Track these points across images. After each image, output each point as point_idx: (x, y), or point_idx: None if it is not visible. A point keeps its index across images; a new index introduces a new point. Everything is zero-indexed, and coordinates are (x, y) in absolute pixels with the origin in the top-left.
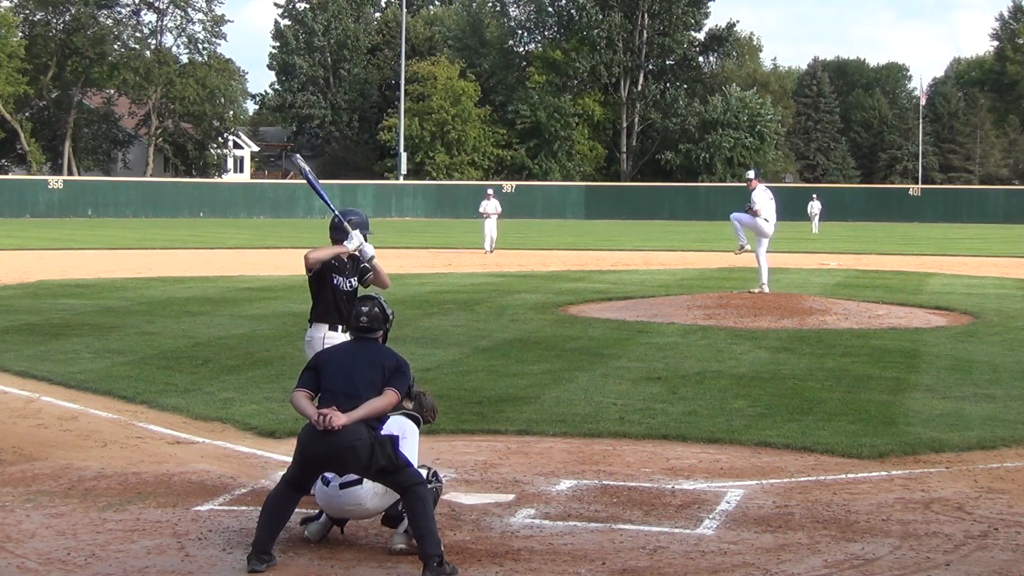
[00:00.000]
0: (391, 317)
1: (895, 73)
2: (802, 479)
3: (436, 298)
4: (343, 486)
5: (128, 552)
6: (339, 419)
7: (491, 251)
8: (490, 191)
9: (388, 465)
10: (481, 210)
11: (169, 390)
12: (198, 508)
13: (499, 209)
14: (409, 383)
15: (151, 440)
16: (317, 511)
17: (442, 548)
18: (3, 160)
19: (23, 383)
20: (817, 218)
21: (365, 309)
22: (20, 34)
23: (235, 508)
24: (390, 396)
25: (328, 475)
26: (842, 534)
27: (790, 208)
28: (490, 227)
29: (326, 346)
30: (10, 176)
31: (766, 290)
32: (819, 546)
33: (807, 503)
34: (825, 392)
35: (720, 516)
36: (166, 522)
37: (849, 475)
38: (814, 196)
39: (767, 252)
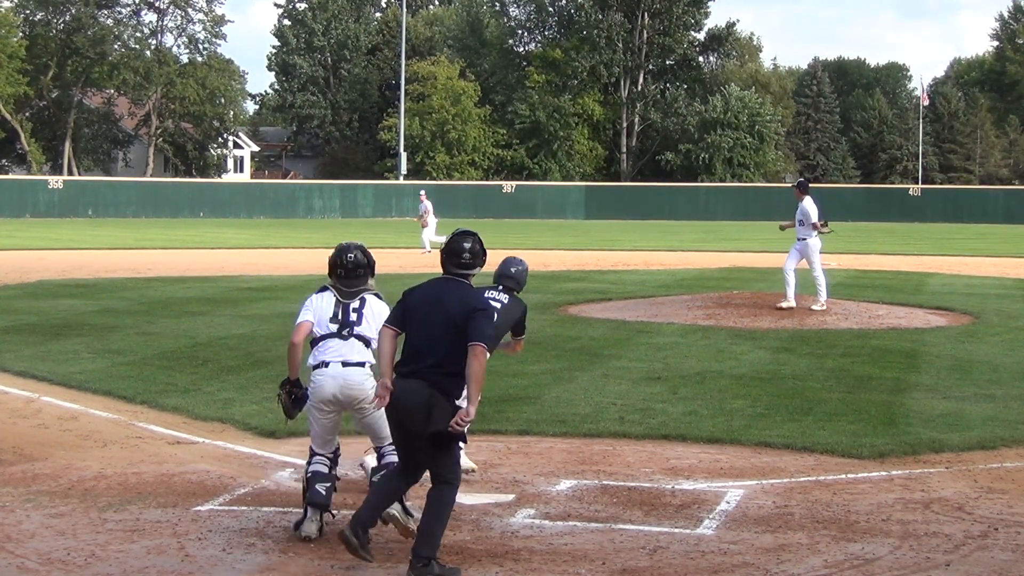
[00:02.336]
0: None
1: (895, 73)
2: (802, 479)
3: None
4: (345, 364)
5: (128, 552)
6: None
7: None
8: (422, 192)
9: (439, 438)
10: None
11: (169, 390)
12: (198, 508)
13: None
14: (495, 324)
15: (151, 440)
16: (301, 512)
17: (436, 554)
18: (3, 160)
19: (23, 383)
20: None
21: (467, 245)
22: (20, 34)
23: (235, 508)
24: (481, 356)
25: (330, 359)
26: (842, 534)
27: (787, 208)
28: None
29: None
30: (10, 176)
31: (824, 306)
32: (819, 546)
33: (807, 503)
34: (825, 392)
35: (720, 516)
36: (166, 522)
37: (849, 475)
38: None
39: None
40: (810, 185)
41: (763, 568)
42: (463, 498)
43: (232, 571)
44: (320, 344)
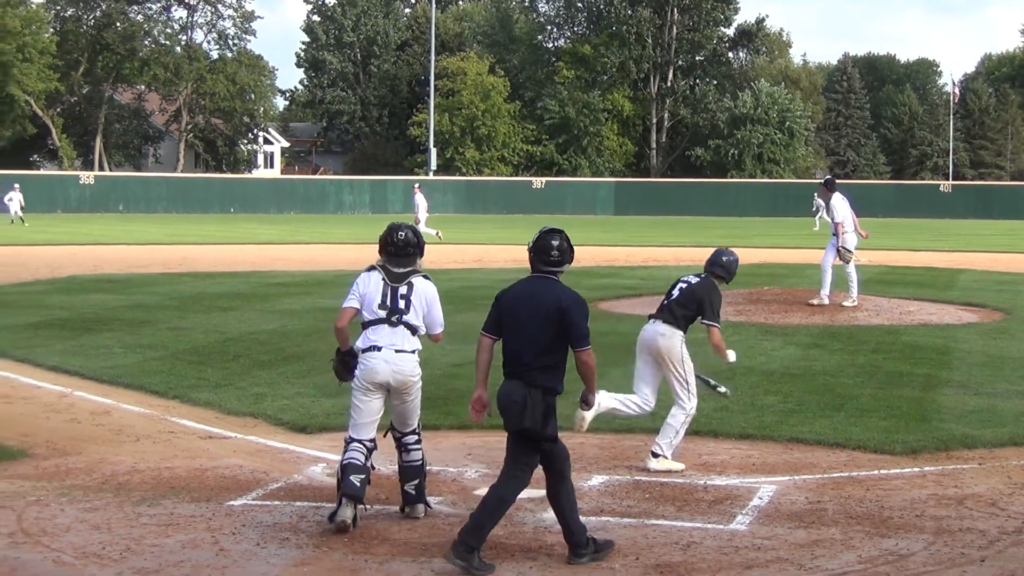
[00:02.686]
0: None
1: (925, 69)
2: (835, 475)
3: (466, 293)
4: (397, 351)
5: (163, 546)
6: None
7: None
8: (416, 185)
9: (533, 429)
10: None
11: (201, 385)
12: (231, 503)
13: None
14: (587, 316)
15: (184, 435)
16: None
17: (584, 537)
18: (35, 156)
19: (56, 378)
20: (822, 215)
21: (555, 242)
22: (51, 30)
23: (268, 503)
24: (589, 358)
25: (382, 345)
26: (875, 530)
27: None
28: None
29: None
30: (42, 172)
31: (855, 302)
32: (853, 542)
33: (840, 499)
34: (857, 388)
35: (753, 512)
36: (200, 516)
37: (882, 471)
38: (815, 194)
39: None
40: (838, 182)
41: (797, 563)
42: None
43: (266, 565)
44: (370, 329)
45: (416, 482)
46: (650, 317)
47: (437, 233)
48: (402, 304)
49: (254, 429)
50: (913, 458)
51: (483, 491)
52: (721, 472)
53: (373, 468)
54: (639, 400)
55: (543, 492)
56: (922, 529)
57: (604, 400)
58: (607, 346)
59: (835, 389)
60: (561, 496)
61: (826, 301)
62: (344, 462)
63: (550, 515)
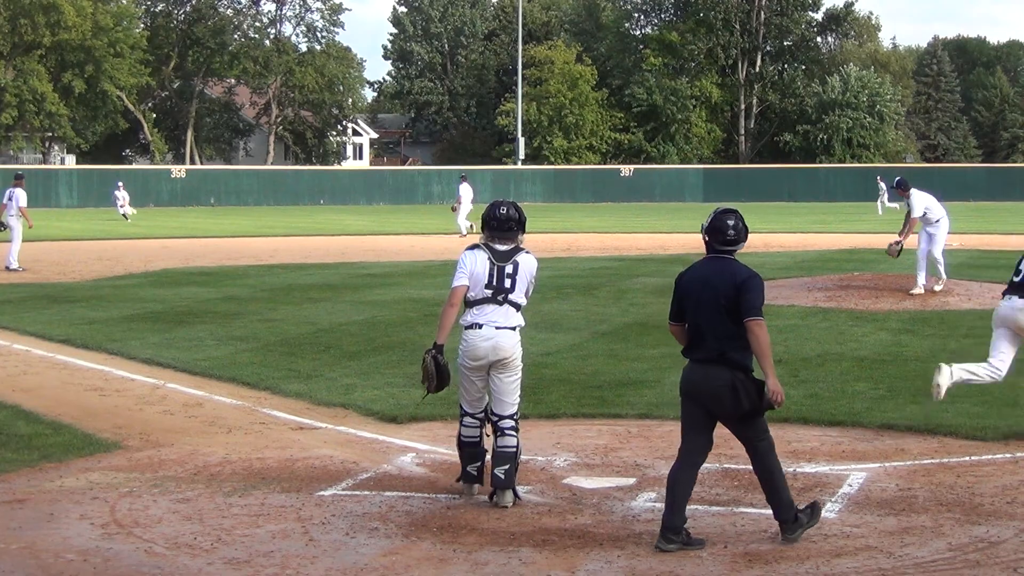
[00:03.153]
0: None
1: (1016, 51)
2: (925, 462)
3: (555, 283)
4: (498, 328)
5: (253, 536)
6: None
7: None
8: (463, 175)
9: (753, 409)
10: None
11: (292, 376)
12: (321, 493)
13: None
14: (762, 291)
15: (275, 426)
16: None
17: (793, 513)
18: (127, 150)
19: (149, 370)
20: (883, 200)
21: (731, 222)
22: (142, 25)
23: (358, 493)
24: (760, 328)
25: (484, 322)
26: (966, 517)
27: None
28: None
29: None
30: (134, 166)
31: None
32: (943, 529)
33: (931, 486)
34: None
35: (842, 499)
36: (290, 507)
37: (973, 457)
38: (878, 177)
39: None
40: (932, 163)
41: (886, 551)
42: (584, 482)
43: (355, 555)
44: (476, 307)
45: (507, 467)
46: (1004, 294)
47: (472, 226)
48: (508, 283)
49: (344, 420)
50: (1005, 444)
51: (575, 479)
52: (811, 459)
53: (488, 435)
54: (990, 369)
55: (632, 480)
56: (1013, 516)
57: (956, 372)
58: None
59: (926, 375)
60: (769, 468)
61: (921, 290)
62: (462, 439)
63: (639, 503)
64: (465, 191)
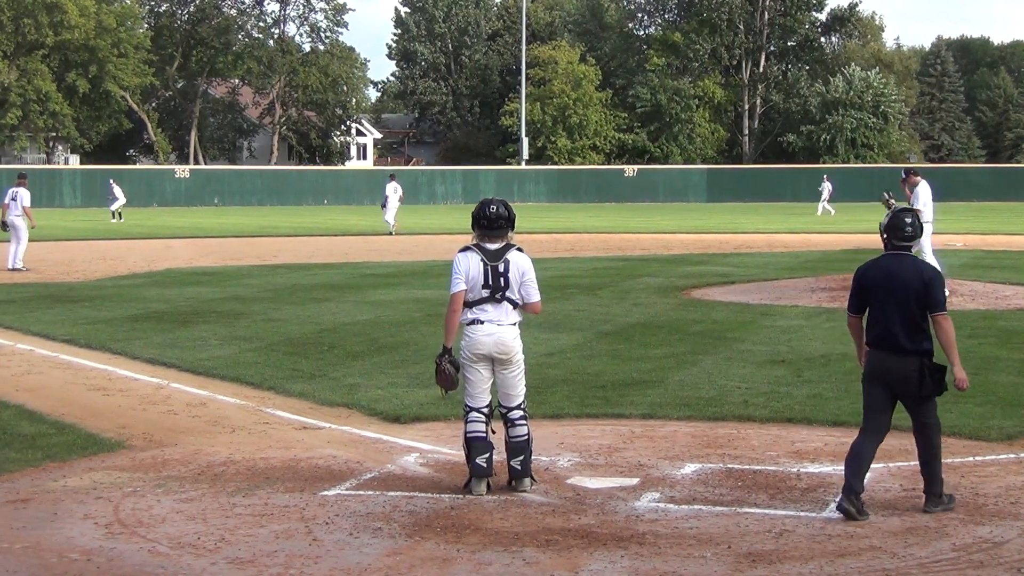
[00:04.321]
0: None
1: (1020, 51)
2: None
3: (559, 283)
4: (499, 325)
5: (257, 536)
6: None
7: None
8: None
9: (937, 392)
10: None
11: (295, 376)
12: (325, 493)
13: (399, 193)
14: (943, 286)
15: (278, 426)
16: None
17: (940, 488)
18: (131, 150)
19: (153, 370)
20: (825, 200)
21: (908, 220)
22: (146, 25)
23: (362, 493)
24: (947, 322)
25: (485, 319)
26: (970, 517)
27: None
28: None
29: None
30: (138, 166)
31: None
32: (947, 529)
33: None
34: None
35: None
36: (294, 507)
37: (977, 458)
38: (824, 177)
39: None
40: (936, 164)
41: (890, 551)
42: (588, 482)
43: (359, 555)
44: (476, 306)
45: (522, 457)
46: None
47: (393, 228)
48: (503, 282)
49: (348, 419)
50: (1009, 444)
51: (579, 479)
52: (814, 460)
53: (493, 432)
54: None
55: (635, 481)
56: (1017, 516)
57: None
58: (699, 334)
59: None
60: (935, 445)
61: None
62: (468, 435)
63: (642, 504)
64: (392, 190)
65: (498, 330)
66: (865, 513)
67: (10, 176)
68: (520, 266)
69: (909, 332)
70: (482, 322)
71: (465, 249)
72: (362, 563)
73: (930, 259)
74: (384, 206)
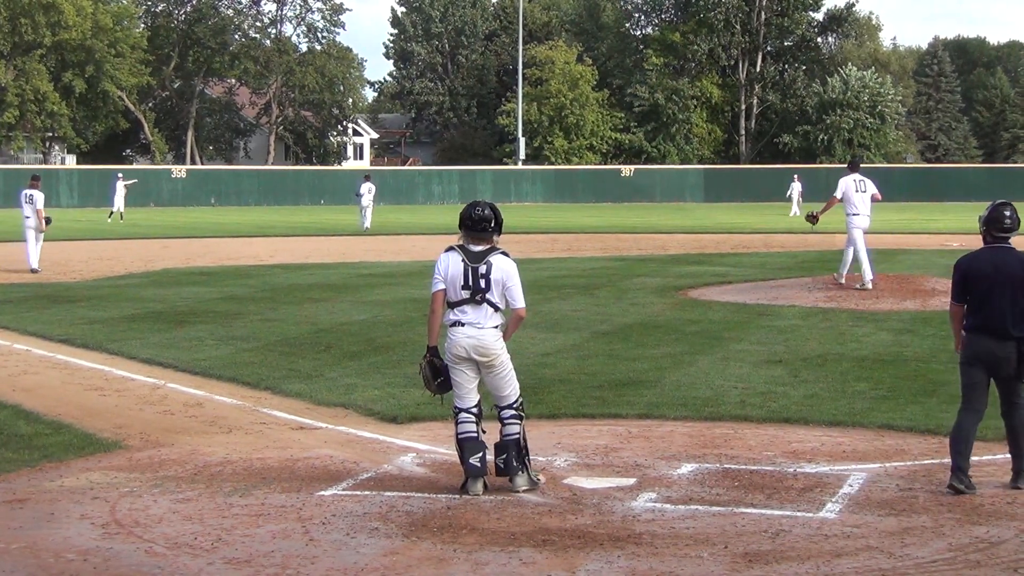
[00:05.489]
0: None
1: (1017, 51)
2: (926, 462)
3: (555, 283)
4: (479, 328)
5: (254, 536)
6: None
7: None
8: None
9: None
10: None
11: (292, 376)
12: (322, 493)
13: (373, 192)
14: None
15: (275, 426)
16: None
17: None
18: (128, 150)
19: (149, 370)
20: (796, 201)
21: (1008, 213)
22: (142, 25)
23: (358, 493)
24: None
25: (466, 321)
26: (967, 517)
27: (908, 189)
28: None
29: None
30: (134, 166)
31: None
32: (943, 529)
33: (931, 486)
34: (949, 374)
35: (843, 499)
36: (290, 507)
37: (974, 458)
38: (795, 177)
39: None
40: (933, 164)
41: (887, 551)
42: (584, 482)
43: (356, 555)
44: (456, 307)
45: (505, 455)
46: None
47: (366, 226)
48: (483, 283)
49: (345, 420)
50: (1005, 444)
51: (575, 479)
52: (811, 460)
53: (484, 432)
54: None
55: (632, 481)
56: (1014, 516)
57: None
58: (696, 334)
59: (927, 375)
60: (1018, 420)
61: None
62: (459, 436)
63: (639, 504)
64: (367, 190)
65: (478, 332)
66: (973, 487)
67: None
68: (503, 270)
69: (1010, 319)
70: (462, 324)
71: (449, 249)
72: (359, 563)
73: (860, 251)
74: (360, 200)
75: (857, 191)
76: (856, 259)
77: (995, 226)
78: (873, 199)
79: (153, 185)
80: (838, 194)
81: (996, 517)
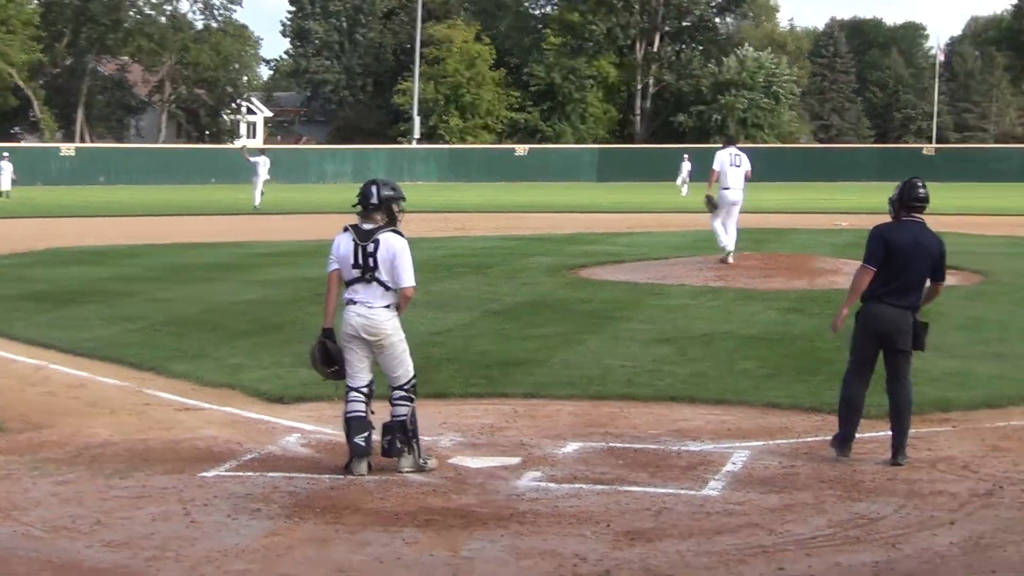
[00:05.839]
0: None
1: (912, 32)
2: (809, 439)
3: (448, 261)
4: (369, 307)
5: (134, 519)
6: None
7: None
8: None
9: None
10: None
11: (178, 356)
12: (204, 474)
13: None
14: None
15: (159, 407)
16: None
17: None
18: (16, 128)
19: (32, 351)
20: (685, 181)
21: (920, 184)
22: (35, 1)
23: (241, 474)
24: (943, 289)
25: (358, 300)
26: (847, 494)
27: (801, 169)
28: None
29: None
30: (23, 144)
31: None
32: (824, 506)
33: (813, 463)
34: (834, 352)
35: (726, 477)
36: (172, 488)
37: (856, 435)
38: (684, 157)
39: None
40: (826, 144)
41: (768, 528)
42: (469, 461)
43: (237, 536)
44: (350, 287)
45: (390, 437)
46: None
47: (257, 203)
48: (371, 262)
49: (230, 400)
50: (886, 422)
51: (460, 459)
52: (696, 438)
53: (372, 412)
54: None
55: (517, 460)
56: (893, 492)
57: None
58: (586, 313)
59: (812, 353)
60: (904, 397)
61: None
62: (347, 415)
63: (523, 483)
64: (263, 164)
65: (368, 312)
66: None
67: None
68: (390, 248)
69: (915, 292)
70: (355, 303)
71: (345, 229)
72: (240, 544)
73: (717, 223)
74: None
75: (732, 165)
76: (714, 230)
77: (912, 200)
78: (746, 176)
79: (41, 163)
80: (716, 166)
81: (876, 493)
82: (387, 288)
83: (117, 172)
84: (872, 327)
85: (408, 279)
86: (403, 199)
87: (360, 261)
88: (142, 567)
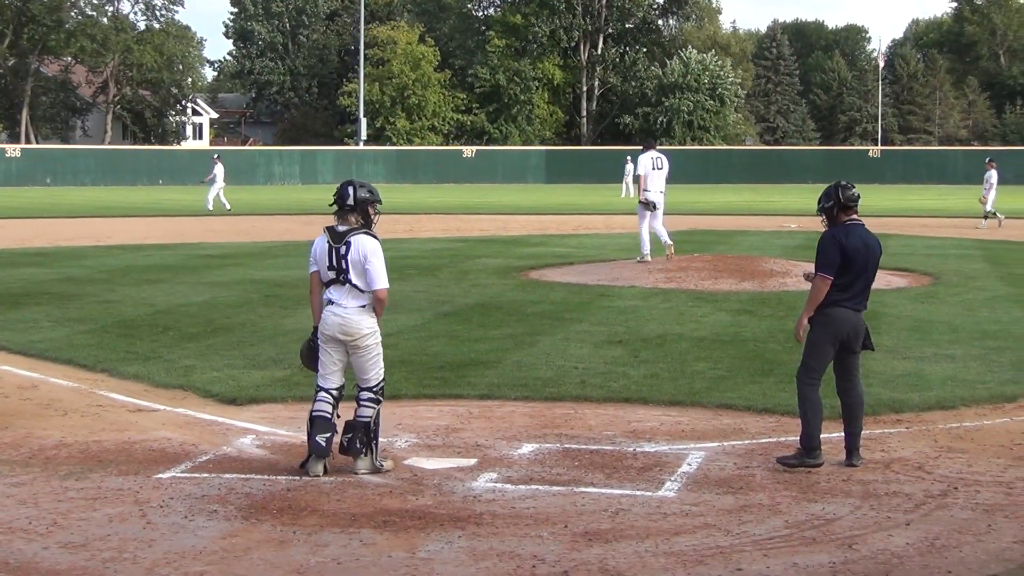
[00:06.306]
0: None
1: (854, 35)
2: (763, 440)
3: (397, 263)
4: (346, 308)
5: (90, 520)
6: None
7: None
8: (216, 155)
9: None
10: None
11: (130, 358)
12: (160, 476)
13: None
14: None
15: (112, 408)
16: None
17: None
18: None
19: None
20: (627, 183)
21: (852, 187)
22: None
23: (197, 475)
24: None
25: (336, 300)
26: (803, 495)
27: (747, 171)
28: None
29: None
30: None
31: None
32: (780, 507)
33: (768, 464)
34: (786, 354)
35: (682, 478)
36: (128, 490)
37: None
38: (628, 159)
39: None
40: (771, 146)
41: (724, 529)
42: (425, 463)
43: (194, 538)
44: (328, 288)
45: (351, 435)
46: None
47: (211, 206)
48: (344, 264)
49: (183, 402)
50: (841, 423)
51: (416, 460)
52: (651, 439)
53: (338, 416)
54: None
55: (473, 461)
56: (849, 493)
57: None
58: (537, 315)
59: (764, 355)
60: (856, 397)
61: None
62: (313, 413)
63: (480, 484)
64: (218, 170)
65: (343, 312)
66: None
67: None
68: (361, 249)
69: (866, 295)
70: (332, 303)
71: (324, 230)
72: (197, 546)
73: (643, 232)
74: (210, 183)
75: (655, 168)
76: (641, 234)
77: (849, 200)
78: (666, 178)
79: None
80: (640, 171)
81: (832, 494)
82: (361, 290)
83: (63, 173)
84: (833, 332)
85: (379, 282)
86: (379, 201)
87: (334, 263)
88: (99, 569)
